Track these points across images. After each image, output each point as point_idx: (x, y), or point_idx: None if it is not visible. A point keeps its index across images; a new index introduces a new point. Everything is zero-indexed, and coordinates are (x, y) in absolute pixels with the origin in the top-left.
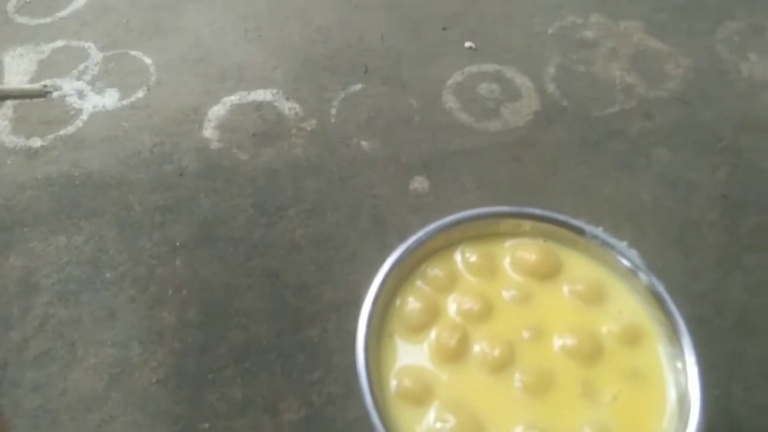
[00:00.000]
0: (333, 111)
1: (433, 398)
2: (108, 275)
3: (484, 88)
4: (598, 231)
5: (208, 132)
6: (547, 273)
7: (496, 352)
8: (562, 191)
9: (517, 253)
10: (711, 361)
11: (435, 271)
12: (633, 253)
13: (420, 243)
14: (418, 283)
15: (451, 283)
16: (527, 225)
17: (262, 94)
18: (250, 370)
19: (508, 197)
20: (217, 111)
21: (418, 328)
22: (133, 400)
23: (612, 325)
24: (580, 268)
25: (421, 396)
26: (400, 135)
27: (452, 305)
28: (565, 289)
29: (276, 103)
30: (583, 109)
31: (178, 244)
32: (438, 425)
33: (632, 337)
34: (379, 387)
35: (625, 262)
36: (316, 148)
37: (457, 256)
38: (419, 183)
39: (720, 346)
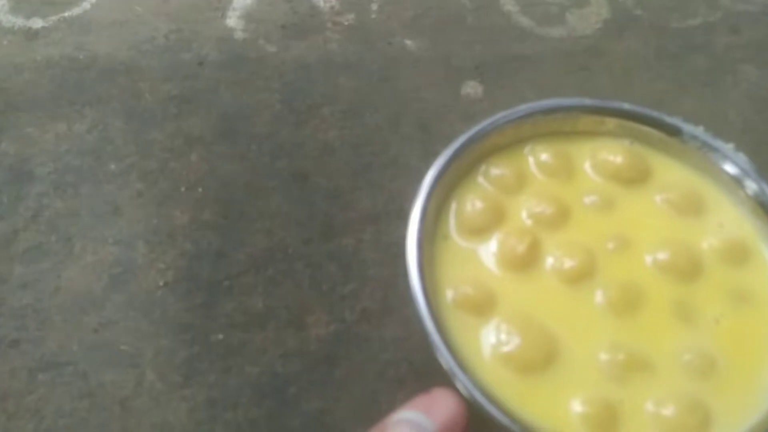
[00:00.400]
0: (374, 6)
1: (497, 310)
2: (113, 167)
3: None
4: (698, 131)
5: (233, 21)
6: (635, 178)
7: (575, 261)
8: (636, 104)
9: (600, 155)
10: None
11: (500, 169)
12: (741, 157)
13: (484, 135)
14: (480, 180)
15: (519, 183)
16: (611, 123)
17: None
18: (273, 278)
19: None
20: (243, 0)
21: (480, 231)
22: (136, 304)
23: (713, 240)
24: (675, 174)
25: (482, 306)
26: (451, 35)
27: (521, 208)
28: (657, 198)
29: None
30: (660, 19)
31: (194, 137)
32: (503, 339)
33: (737, 254)
34: (433, 294)
35: (729, 168)
36: (353, 44)
37: (528, 154)
38: (472, 88)
39: None
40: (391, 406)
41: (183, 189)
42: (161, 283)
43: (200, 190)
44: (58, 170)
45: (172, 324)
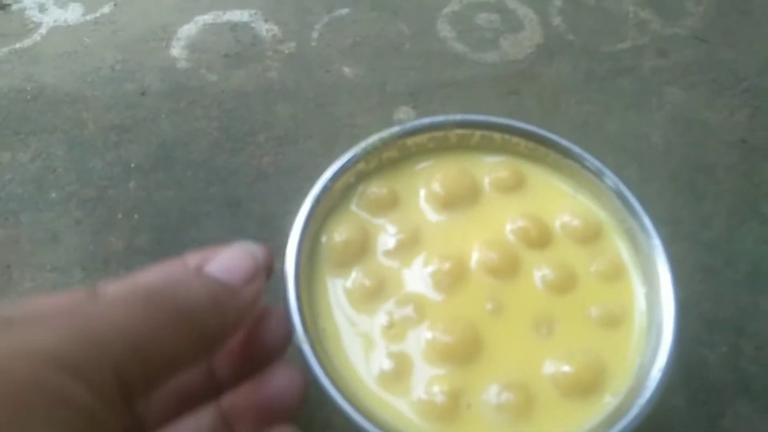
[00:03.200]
0: (315, 35)
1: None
2: (53, 195)
3: (483, 18)
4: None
5: (176, 51)
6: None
7: (447, 263)
8: (562, 127)
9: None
10: (720, 315)
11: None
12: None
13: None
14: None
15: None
16: (479, 136)
17: (238, 15)
18: None
19: None
20: (188, 30)
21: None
22: None
23: (565, 219)
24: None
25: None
26: (388, 62)
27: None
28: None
29: (253, 24)
30: (591, 44)
31: (132, 165)
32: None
33: (589, 237)
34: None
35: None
36: (292, 72)
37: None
38: (404, 113)
39: (730, 299)
40: None
41: (120, 216)
42: None
43: (136, 216)
44: (0, 199)
45: None
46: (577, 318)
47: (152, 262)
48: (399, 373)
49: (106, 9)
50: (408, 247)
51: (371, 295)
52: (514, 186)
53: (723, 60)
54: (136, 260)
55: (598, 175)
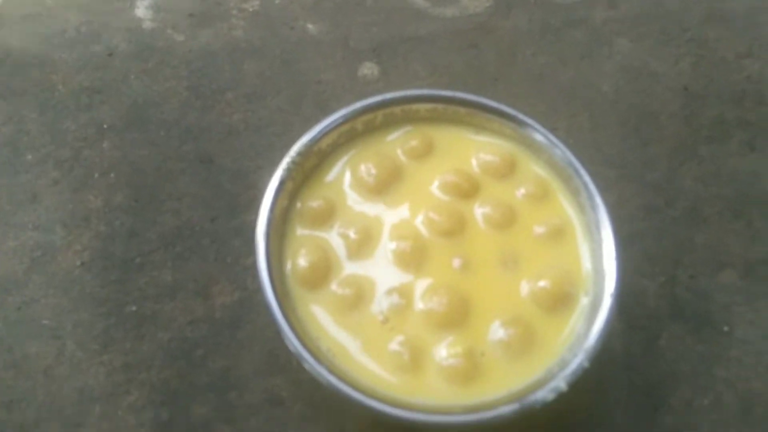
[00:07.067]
0: None
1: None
2: (29, 157)
3: None
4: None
5: (141, 11)
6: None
7: (408, 243)
8: (519, 79)
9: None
10: (660, 249)
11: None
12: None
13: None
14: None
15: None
16: (443, 109)
17: None
18: (181, 254)
19: (463, 84)
20: None
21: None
22: (56, 282)
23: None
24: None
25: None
26: (350, 18)
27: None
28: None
29: None
30: None
31: (105, 126)
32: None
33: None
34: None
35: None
36: (258, 29)
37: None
38: (368, 69)
39: (669, 235)
40: (290, 360)
41: (96, 175)
42: (78, 263)
43: (113, 175)
44: None
45: (89, 299)
46: (528, 240)
47: (130, 217)
48: (415, 358)
49: None
50: (364, 244)
51: (354, 302)
52: (426, 150)
53: (669, 10)
54: (115, 216)
55: (493, 112)
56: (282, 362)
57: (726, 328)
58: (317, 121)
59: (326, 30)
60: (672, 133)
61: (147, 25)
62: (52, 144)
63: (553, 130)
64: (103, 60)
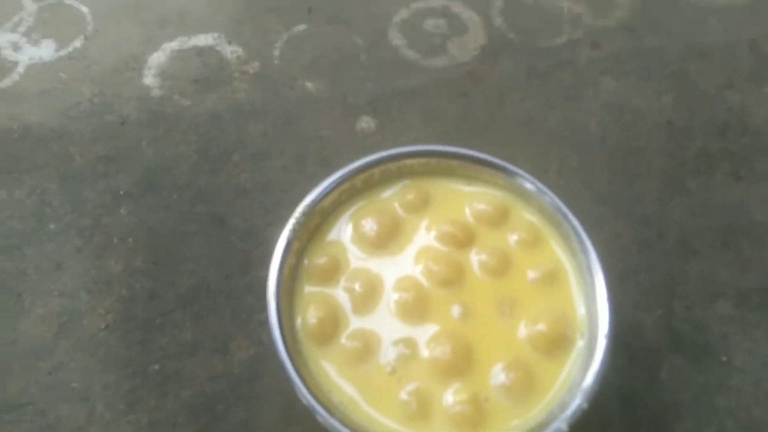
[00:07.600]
0: (276, 53)
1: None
2: (52, 227)
3: (431, 23)
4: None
5: (149, 80)
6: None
7: (410, 294)
8: (508, 125)
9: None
10: (654, 282)
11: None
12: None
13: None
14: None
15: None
16: (436, 163)
17: (203, 39)
18: (199, 313)
19: (455, 133)
20: (157, 58)
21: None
22: (83, 346)
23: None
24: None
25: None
26: (346, 75)
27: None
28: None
29: (218, 48)
30: (530, 41)
31: (122, 192)
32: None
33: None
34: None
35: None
36: (259, 91)
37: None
38: (366, 123)
39: (662, 267)
40: (306, 411)
41: (116, 241)
42: (103, 326)
43: (131, 240)
44: (3, 235)
45: (115, 360)
46: (523, 285)
47: (150, 280)
48: (423, 406)
49: (77, 43)
50: (369, 298)
51: (362, 354)
52: (423, 203)
53: (650, 47)
54: (135, 279)
55: (484, 163)
56: (298, 413)
57: (724, 358)
58: (320, 176)
59: (324, 88)
60: (659, 168)
61: (155, 92)
62: (73, 213)
63: (544, 172)
64: (117, 129)
